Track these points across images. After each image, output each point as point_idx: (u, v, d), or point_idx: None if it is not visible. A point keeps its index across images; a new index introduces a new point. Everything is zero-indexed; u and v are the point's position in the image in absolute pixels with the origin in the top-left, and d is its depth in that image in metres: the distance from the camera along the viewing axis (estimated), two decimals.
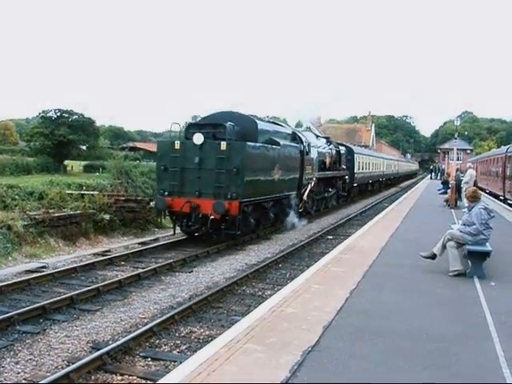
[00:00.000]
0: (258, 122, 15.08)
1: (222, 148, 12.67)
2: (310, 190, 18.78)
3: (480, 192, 8.99)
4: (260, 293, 9.14)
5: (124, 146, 56.22)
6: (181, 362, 5.02)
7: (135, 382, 5.49)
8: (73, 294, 8.30)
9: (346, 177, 26.22)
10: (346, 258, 9.34)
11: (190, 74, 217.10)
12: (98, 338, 6.70)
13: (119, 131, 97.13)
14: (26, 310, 7.44)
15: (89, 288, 8.77)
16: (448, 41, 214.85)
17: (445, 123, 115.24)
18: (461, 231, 8.11)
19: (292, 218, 16.74)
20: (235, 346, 4.77)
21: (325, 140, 23.34)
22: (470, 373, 4.40)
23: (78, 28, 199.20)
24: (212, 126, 13.89)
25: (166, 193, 13.25)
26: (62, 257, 12.00)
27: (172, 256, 12.10)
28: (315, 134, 22.66)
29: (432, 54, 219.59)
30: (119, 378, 5.56)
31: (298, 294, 6.74)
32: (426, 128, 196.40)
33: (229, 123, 13.54)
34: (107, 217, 14.94)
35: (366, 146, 60.17)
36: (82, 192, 17.41)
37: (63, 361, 5.94)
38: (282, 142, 15.61)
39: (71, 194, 16.52)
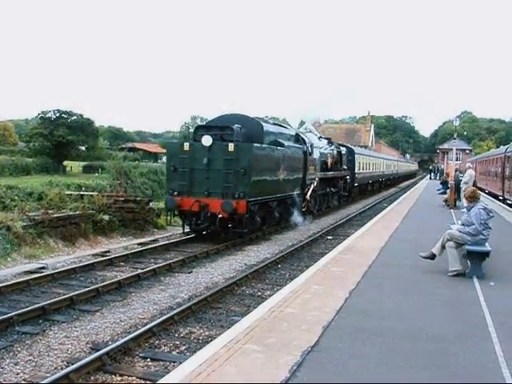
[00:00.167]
0: (263, 124, 15.64)
1: (229, 149, 13.19)
2: (313, 190, 19.17)
3: (479, 192, 8.99)
4: (259, 293, 9.14)
5: (123, 146, 56.29)
6: (180, 363, 5.01)
7: (135, 382, 5.48)
8: (72, 294, 8.30)
9: (347, 177, 26.69)
10: (346, 259, 9.34)
11: (190, 74, 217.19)
12: (98, 339, 6.70)
13: (118, 132, 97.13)
14: (26, 310, 7.43)
15: (88, 289, 8.77)
16: (447, 41, 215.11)
17: (444, 123, 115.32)
18: (460, 231, 8.11)
19: (296, 216, 17.18)
20: (235, 347, 4.77)
21: (326, 141, 23.80)
22: (469, 373, 4.40)
23: (77, 28, 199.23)
24: (219, 128, 14.41)
25: (176, 192, 13.69)
26: (61, 257, 11.99)
27: (171, 256, 12.10)
28: (318, 136, 23.04)
29: (431, 54, 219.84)
30: (119, 378, 5.56)
31: (298, 294, 6.74)
32: (426, 128, 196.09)
33: (236, 125, 14.07)
34: (106, 217, 14.93)
35: (365, 147, 60.27)
36: (82, 193, 17.42)
37: (63, 361, 5.94)
38: (286, 143, 16.16)
39: (70, 194, 16.52)
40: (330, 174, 22.40)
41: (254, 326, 5.42)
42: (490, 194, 29.97)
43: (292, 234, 16.45)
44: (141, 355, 6.15)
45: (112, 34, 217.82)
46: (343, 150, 26.67)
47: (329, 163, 22.22)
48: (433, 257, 8.35)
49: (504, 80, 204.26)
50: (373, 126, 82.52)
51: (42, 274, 9.84)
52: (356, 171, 29.52)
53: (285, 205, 16.67)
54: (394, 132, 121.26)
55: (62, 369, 5.67)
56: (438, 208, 20.11)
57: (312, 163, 18.98)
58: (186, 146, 13.80)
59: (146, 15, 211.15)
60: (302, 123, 23.48)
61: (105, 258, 11.57)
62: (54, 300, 7.97)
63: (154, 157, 68.57)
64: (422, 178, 68.58)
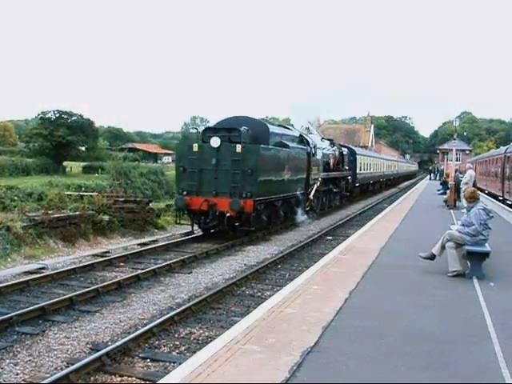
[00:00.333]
0: (269, 125, 16.16)
1: (237, 150, 13.69)
2: (316, 190, 19.57)
3: (479, 192, 8.99)
4: (259, 293, 9.13)
5: (123, 146, 56.35)
6: (180, 363, 5.01)
7: (134, 382, 5.48)
8: (72, 295, 8.29)
9: (349, 177, 27.15)
10: (346, 259, 9.34)
11: (190, 74, 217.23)
12: (98, 339, 6.70)
13: (118, 132, 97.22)
14: (26, 311, 7.43)
15: (88, 289, 8.76)
16: (447, 41, 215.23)
17: (444, 124, 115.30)
18: (460, 232, 8.11)
19: (300, 215, 17.67)
20: (235, 347, 4.77)
21: (328, 142, 24.20)
22: (469, 373, 4.40)
23: (77, 29, 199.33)
24: (227, 130, 14.82)
25: (185, 192, 14.18)
26: (61, 258, 11.98)
27: (171, 257, 12.10)
28: (321, 137, 23.47)
29: (431, 54, 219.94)
30: (118, 379, 5.56)
31: (298, 294, 6.74)
32: (425, 128, 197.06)
33: (243, 127, 14.47)
34: (106, 218, 14.93)
35: (365, 147, 60.28)
36: (81, 193, 17.43)
37: (62, 362, 5.93)
38: (290, 144, 16.67)
39: (70, 195, 16.53)
40: (333, 174, 22.82)
41: (254, 326, 5.42)
42: (489, 194, 29.97)
43: (292, 234, 16.46)
44: (141, 356, 6.14)
45: (112, 35, 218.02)
46: (345, 150, 27.15)
47: (331, 164, 22.63)
48: (432, 257, 8.35)
49: (504, 80, 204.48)
50: (373, 126, 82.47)
51: (42, 275, 9.83)
52: (357, 172, 30.10)
53: (289, 204, 17.13)
54: (394, 132, 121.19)
55: (61, 369, 5.67)
56: (437, 208, 20.11)
57: (315, 164, 19.42)
58: (195, 147, 14.21)
59: (146, 15, 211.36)
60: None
61: (105, 259, 11.56)
62: (54, 300, 7.97)
63: (154, 157, 68.68)
64: (421, 179, 68.53)
